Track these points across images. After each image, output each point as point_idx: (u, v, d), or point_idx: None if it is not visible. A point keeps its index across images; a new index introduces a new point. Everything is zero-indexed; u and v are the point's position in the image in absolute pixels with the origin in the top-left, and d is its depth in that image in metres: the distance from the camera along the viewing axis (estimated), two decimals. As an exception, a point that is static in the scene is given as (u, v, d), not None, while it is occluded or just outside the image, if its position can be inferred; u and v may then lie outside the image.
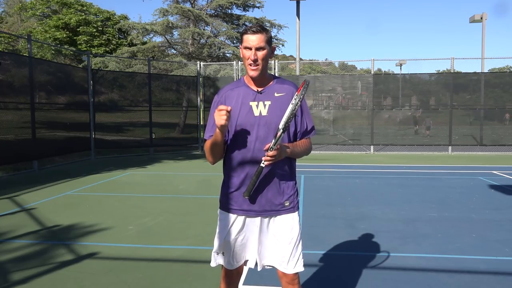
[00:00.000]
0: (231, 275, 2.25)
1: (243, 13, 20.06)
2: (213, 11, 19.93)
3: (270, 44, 2.05)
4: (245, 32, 2.01)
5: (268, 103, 2.07)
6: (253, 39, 1.98)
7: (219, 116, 1.91)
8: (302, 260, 2.17)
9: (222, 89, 2.19)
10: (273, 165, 2.05)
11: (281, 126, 1.99)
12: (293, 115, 1.99)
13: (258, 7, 19.96)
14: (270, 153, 1.96)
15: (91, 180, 8.59)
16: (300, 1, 14.98)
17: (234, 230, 2.16)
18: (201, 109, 14.86)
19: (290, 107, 1.99)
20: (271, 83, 2.12)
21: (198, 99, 14.87)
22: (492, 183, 8.04)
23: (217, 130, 1.98)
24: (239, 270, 2.26)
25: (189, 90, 15.59)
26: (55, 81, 11.65)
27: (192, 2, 19.73)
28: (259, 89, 2.08)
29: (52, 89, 11.65)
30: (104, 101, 15.10)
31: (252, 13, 20.64)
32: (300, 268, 2.15)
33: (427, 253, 4.06)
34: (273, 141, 1.98)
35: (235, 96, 2.10)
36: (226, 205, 2.20)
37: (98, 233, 4.80)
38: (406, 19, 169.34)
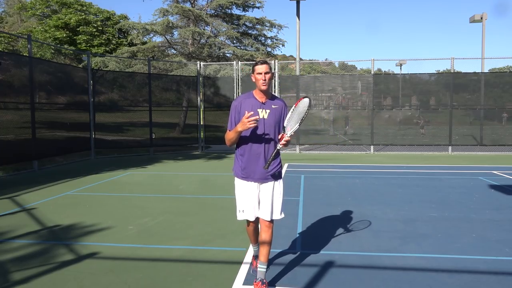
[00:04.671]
0: (252, 223, 3.33)
1: (243, 13, 20.08)
2: (213, 11, 19.93)
3: (271, 70, 3.17)
4: (256, 64, 3.13)
5: (268, 111, 3.17)
6: (262, 67, 3.10)
7: (249, 124, 2.96)
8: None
9: (239, 97, 3.24)
10: (270, 148, 3.19)
11: (297, 125, 3.13)
12: (302, 120, 3.14)
13: (258, 7, 19.98)
14: (287, 138, 3.06)
15: (91, 180, 8.59)
16: (300, 1, 14.97)
17: (247, 192, 3.23)
18: (201, 109, 14.85)
19: (300, 116, 3.14)
20: (269, 99, 3.21)
21: (198, 99, 14.87)
22: (492, 183, 8.04)
23: (241, 128, 3.00)
24: (257, 219, 3.30)
25: (189, 90, 15.59)
26: (55, 81, 11.65)
27: (192, 2, 19.73)
28: (263, 101, 3.17)
29: (52, 89, 11.64)
30: (104, 101, 15.10)
31: (252, 13, 20.68)
32: (281, 215, 3.30)
33: (427, 253, 4.07)
34: (288, 133, 3.08)
35: (248, 104, 3.16)
36: (241, 175, 3.25)
37: (98, 233, 4.80)
38: (406, 19, 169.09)
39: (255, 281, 3.20)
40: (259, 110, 3.13)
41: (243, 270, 3.65)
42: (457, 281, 3.42)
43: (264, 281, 3.20)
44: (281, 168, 3.34)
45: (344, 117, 18.29)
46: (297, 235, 4.68)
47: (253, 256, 3.62)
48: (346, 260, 3.91)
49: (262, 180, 3.21)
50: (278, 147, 3.07)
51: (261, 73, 3.08)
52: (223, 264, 3.83)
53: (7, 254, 4.08)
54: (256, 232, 3.41)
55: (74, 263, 3.85)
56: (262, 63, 3.10)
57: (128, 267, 3.77)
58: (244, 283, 3.38)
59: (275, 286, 3.32)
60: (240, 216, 3.26)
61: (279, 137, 3.10)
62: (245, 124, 2.95)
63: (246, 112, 3.03)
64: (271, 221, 3.24)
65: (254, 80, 3.12)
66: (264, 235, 3.21)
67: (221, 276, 3.55)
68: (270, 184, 3.22)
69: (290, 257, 3.98)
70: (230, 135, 3.12)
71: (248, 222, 3.33)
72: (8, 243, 4.42)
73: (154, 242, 4.48)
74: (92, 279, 3.48)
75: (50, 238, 4.62)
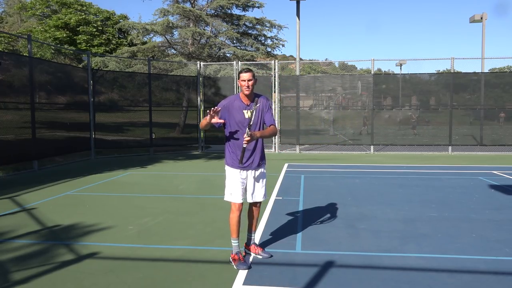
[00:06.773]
0: (238, 206, 3.78)
1: (243, 13, 20.06)
2: (213, 11, 19.91)
3: (254, 77, 3.74)
4: (241, 72, 3.72)
5: (251, 110, 3.72)
6: (246, 75, 3.67)
7: (209, 115, 3.54)
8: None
9: (228, 98, 3.82)
10: (258, 142, 3.80)
11: (251, 121, 3.69)
12: (253, 117, 3.71)
13: (258, 7, 19.93)
14: (247, 138, 3.53)
15: (91, 180, 8.59)
16: (300, 1, 14.96)
17: (237, 178, 3.78)
18: (201, 109, 14.84)
19: (254, 113, 3.73)
20: (252, 100, 3.76)
21: (198, 99, 14.87)
22: (492, 183, 8.04)
23: (209, 119, 3.58)
24: (241, 203, 3.80)
25: (189, 90, 15.59)
26: (55, 81, 11.65)
27: (192, 2, 19.72)
28: (247, 103, 3.75)
29: (52, 89, 11.65)
30: (104, 101, 15.09)
31: (252, 13, 20.66)
32: (264, 197, 3.95)
33: (427, 253, 4.07)
34: (246, 132, 3.55)
35: (235, 106, 3.74)
36: (231, 164, 3.79)
37: (98, 233, 4.80)
38: (406, 19, 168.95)
39: (249, 246, 4.00)
40: (244, 111, 3.72)
41: (243, 270, 3.64)
42: (457, 281, 3.42)
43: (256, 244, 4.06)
44: (263, 155, 3.96)
45: (363, 117, 17.50)
46: (297, 235, 4.68)
47: (235, 252, 3.78)
48: (346, 260, 3.91)
49: (248, 168, 3.79)
50: (243, 146, 3.58)
51: (244, 80, 3.66)
52: (223, 264, 3.83)
53: (7, 254, 4.08)
54: (239, 220, 3.80)
55: (74, 263, 3.85)
56: (246, 72, 3.69)
57: (128, 267, 3.77)
58: (244, 283, 3.38)
59: (274, 286, 3.32)
60: (229, 198, 3.79)
61: (243, 136, 3.60)
62: (210, 114, 3.53)
63: (230, 110, 3.70)
64: (260, 203, 3.97)
65: (239, 84, 3.70)
66: (255, 213, 3.97)
67: (221, 276, 3.55)
68: (257, 171, 3.84)
69: (290, 257, 3.98)
70: (204, 122, 3.67)
71: (233, 209, 3.77)
72: (8, 243, 4.42)
73: (154, 242, 4.48)
74: (92, 279, 3.48)
75: (50, 238, 4.62)
